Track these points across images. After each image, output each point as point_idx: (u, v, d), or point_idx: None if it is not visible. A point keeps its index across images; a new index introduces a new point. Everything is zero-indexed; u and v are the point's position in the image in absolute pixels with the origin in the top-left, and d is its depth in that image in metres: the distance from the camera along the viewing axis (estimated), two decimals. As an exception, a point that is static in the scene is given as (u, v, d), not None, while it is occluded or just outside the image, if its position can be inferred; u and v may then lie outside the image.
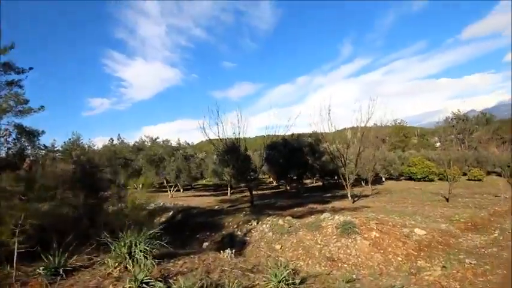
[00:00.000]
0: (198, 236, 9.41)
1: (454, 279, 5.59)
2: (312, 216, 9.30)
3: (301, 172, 20.48)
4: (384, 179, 37.06)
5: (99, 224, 5.34)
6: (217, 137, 13.77)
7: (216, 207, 14.44)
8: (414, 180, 34.12)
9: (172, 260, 5.05)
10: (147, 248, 4.57)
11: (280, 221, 8.83)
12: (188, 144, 24.34)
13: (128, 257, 4.50)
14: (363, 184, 31.41)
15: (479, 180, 32.84)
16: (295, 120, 16.90)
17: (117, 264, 4.44)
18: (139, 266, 4.27)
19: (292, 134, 21.23)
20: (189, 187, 28.91)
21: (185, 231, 10.03)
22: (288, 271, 4.25)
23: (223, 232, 9.10)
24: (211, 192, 23.34)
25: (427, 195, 19.17)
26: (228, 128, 13.72)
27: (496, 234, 9.37)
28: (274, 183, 33.44)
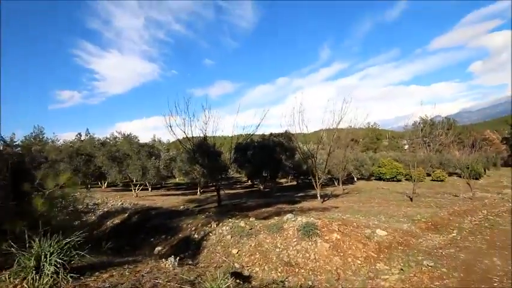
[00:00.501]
0: (152, 239, 8.60)
1: (410, 284, 5.33)
2: (276, 218, 8.83)
3: (274, 171, 20.08)
4: (355, 179, 37.94)
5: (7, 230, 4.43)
6: (185, 135, 12.93)
7: (181, 207, 13.59)
8: (383, 180, 35.25)
9: (96, 273, 4.30)
10: (61, 260, 3.78)
11: (242, 223, 8.26)
12: (160, 141, 23.10)
13: (34, 272, 3.69)
14: (336, 184, 31.92)
15: (442, 180, 34.56)
16: (271, 121, 16.48)
17: (18, 280, 3.62)
18: (47, 282, 3.49)
19: (264, 134, 20.87)
20: (159, 186, 27.58)
21: (140, 234, 9.16)
22: (227, 284, 3.66)
23: (180, 235, 8.36)
24: (182, 192, 22.31)
25: (393, 195, 19.57)
26: (198, 126, 12.96)
27: (454, 234, 9.45)
28: (249, 182, 32.98)
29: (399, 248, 7.55)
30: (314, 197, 18.03)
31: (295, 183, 34.67)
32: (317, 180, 14.46)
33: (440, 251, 7.31)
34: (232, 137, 13.62)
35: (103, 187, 24.58)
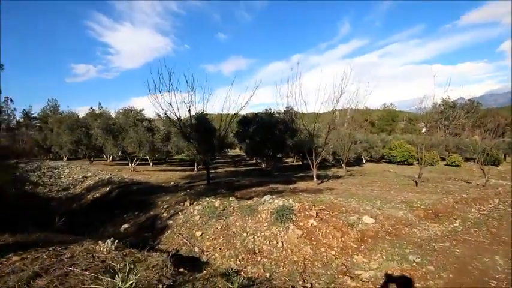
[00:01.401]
0: (125, 216, 8.16)
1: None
2: (255, 199, 8.05)
3: (275, 149, 19.15)
4: (364, 161, 36.48)
5: None
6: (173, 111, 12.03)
7: (172, 183, 13.16)
8: (394, 163, 33.65)
9: (10, 255, 3.74)
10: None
11: (217, 203, 7.56)
12: (159, 116, 22.51)
13: None
14: (342, 165, 30.72)
15: (457, 166, 32.46)
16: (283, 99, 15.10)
17: None
18: None
19: (267, 110, 19.66)
20: (163, 161, 27.52)
21: (115, 210, 8.77)
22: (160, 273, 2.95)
23: (151, 213, 7.83)
24: (183, 168, 22.01)
25: (399, 179, 18.28)
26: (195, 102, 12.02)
27: (456, 224, 8.36)
28: (254, 161, 32.39)
29: (386, 238, 6.61)
30: (312, 177, 17.14)
31: (300, 163, 33.80)
32: (314, 160, 13.44)
33: (434, 244, 6.31)
34: (222, 114, 12.62)
35: (108, 160, 24.78)
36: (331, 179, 16.74)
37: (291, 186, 13.12)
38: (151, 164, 21.81)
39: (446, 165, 33.88)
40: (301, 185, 13.54)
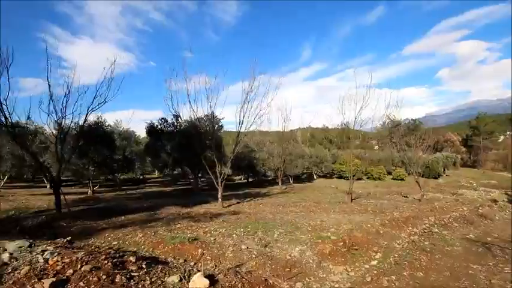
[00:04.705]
0: None
1: None
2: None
3: (193, 164, 15.63)
4: (315, 177, 34.45)
5: None
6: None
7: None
8: (344, 178, 31.96)
9: None
10: None
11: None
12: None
13: None
14: (290, 181, 28.10)
15: (402, 179, 31.70)
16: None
17: None
18: None
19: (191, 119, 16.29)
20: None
21: None
22: None
23: None
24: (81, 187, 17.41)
25: (336, 195, 15.79)
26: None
27: (373, 263, 5.51)
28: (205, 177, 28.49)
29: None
30: (238, 196, 13.89)
31: (249, 180, 30.68)
32: (219, 178, 10.18)
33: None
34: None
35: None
36: (256, 198, 13.64)
37: (187, 210, 9.66)
38: (48, 186, 16.96)
39: (393, 179, 33.03)
40: (203, 208, 10.14)
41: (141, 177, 25.21)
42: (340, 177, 33.33)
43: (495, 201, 14.10)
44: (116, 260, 3.85)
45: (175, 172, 23.96)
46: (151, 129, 14.38)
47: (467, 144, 57.40)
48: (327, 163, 33.52)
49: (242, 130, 11.14)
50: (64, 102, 8.55)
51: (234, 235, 6.27)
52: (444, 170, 38.07)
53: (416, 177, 14.28)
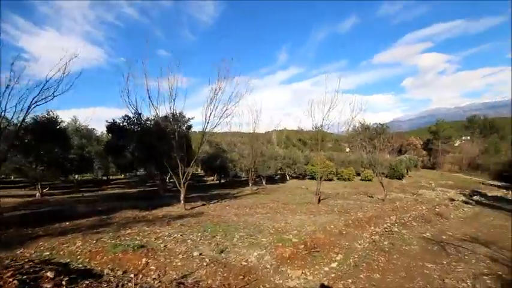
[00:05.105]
0: None
1: None
2: None
3: (162, 165, 14.68)
4: (288, 178, 34.69)
5: None
6: None
7: None
8: (316, 180, 32.45)
9: None
10: None
11: None
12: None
13: None
14: (263, 182, 27.93)
15: (370, 180, 32.94)
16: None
17: None
18: None
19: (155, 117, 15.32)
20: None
21: None
22: None
23: None
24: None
25: (305, 196, 15.80)
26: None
27: (333, 265, 5.30)
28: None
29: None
30: (203, 198, 13.27)
31: (222, 181, 29.98)
32: (181, 179, 9.55)
33: None
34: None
35: None
36: (224, 199, 13.15)
37: (145, 213, 8.90)
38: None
39: (361, 179, 34.21)
40: (163, 211, 9.44)
41: (105, 178, 23.46)
42: (312, 178, 33.81)
43: (452, 200, 15.00)
44: (27, 276, 3.19)
45: (142, 173, 22.61)
46: (112, 127, 13.24)
47: (427, 148, 61.71)
48: (299, 164, 33.89)
49: (213, 130, 10.67)
50: (7, 95, 7.49)
51: (189, 240, 5.75)
52: (407, 171, 40.34)
53: (380, 178, 14.71)
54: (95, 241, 5.48)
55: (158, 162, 14.21)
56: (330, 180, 31.85)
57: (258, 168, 24.03)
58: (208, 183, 28.96)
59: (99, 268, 4.38)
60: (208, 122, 9.78)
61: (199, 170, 42.36)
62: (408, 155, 45.44)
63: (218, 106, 9.74)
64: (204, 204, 11.05)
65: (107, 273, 4.19)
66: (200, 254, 4.96)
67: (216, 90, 9.52)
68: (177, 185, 9.72)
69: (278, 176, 35.86)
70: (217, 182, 27.83)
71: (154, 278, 4.01)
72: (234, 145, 22.80)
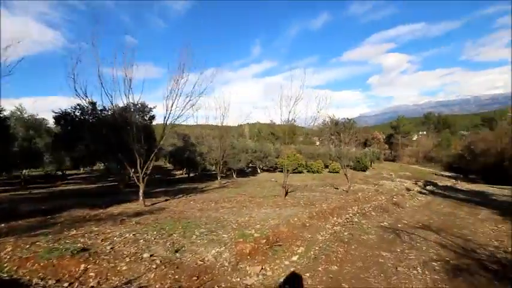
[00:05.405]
0: None
1: None
2: None
3: (119, 159, 13.62)
4: (259, 171, 34.86)
5: None
6: None
7: None
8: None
9: None
10: None
11: None
12: None
13: None
14: (234, 175, 27.68)
15: (337, 172, 34.30)
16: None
17: None
18: None
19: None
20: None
21: None
22: None
23: None
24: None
25: (274, 189, 15.85)
26: None
27: (294, 258, 5.22)
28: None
29: None
30: (166, 193, 12.67)
31: (191, 175, 29.15)
32: (140, 173, 8.89)
33: None
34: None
35: None
36: (189, 194, 12.65)
37: (98, 211, 8.15)
38: None
39: (329, 171, 35.44)
40: (120, 208, 8.74)
41: (60, 173, 21.40)
42: (282, 171, 34.26)
43: (408, 190, 16.09)
44: None
45: (102, 168, 21.04)
46: (60, 117, 11.89)
47: (389, 142, 66.06)
48: (270, 157, 34.10)
49: (176, 121, 10.05)
50: None
51: (142, 240, 5.29)
52: (371, 163, 42.77)
53: (345, 170, 15.22)
54: (28, 245, 4.78)
55: (117, 155, 13.18)
56: (300, 172, 32.62)
57: (229, 161, 23.67)
58: (177, 177, 27.96)
59: (28, 277, 3.78)
60: (169, 113, 9.14)
61: (167, 163, 40.74)
62: (372, 148, 48.19)
63: (181, 96, 9.15)
64: (166, 200, 10.47)
65: (35, 283, 3.62)
66: (151, 256, 4.55)
67: (177, 79, 8.90)
68: (135, 180, 9.02)
69: (249, 169, 35.89)
70: (186, 175, 26.97)
71: (92, 286, 3.54)
72: (202, 138, 22.11)
